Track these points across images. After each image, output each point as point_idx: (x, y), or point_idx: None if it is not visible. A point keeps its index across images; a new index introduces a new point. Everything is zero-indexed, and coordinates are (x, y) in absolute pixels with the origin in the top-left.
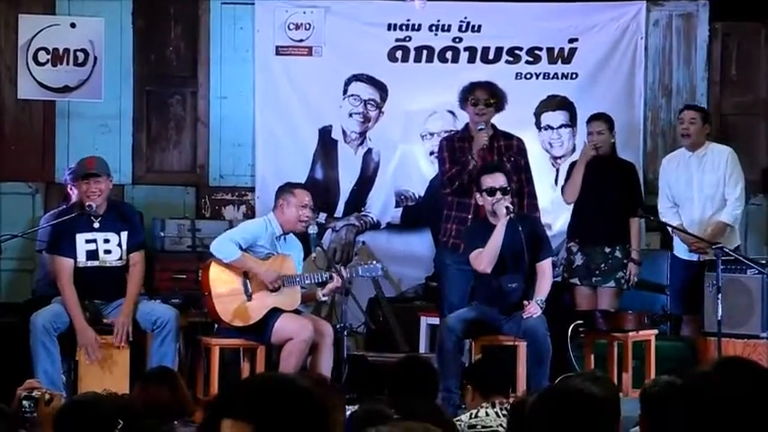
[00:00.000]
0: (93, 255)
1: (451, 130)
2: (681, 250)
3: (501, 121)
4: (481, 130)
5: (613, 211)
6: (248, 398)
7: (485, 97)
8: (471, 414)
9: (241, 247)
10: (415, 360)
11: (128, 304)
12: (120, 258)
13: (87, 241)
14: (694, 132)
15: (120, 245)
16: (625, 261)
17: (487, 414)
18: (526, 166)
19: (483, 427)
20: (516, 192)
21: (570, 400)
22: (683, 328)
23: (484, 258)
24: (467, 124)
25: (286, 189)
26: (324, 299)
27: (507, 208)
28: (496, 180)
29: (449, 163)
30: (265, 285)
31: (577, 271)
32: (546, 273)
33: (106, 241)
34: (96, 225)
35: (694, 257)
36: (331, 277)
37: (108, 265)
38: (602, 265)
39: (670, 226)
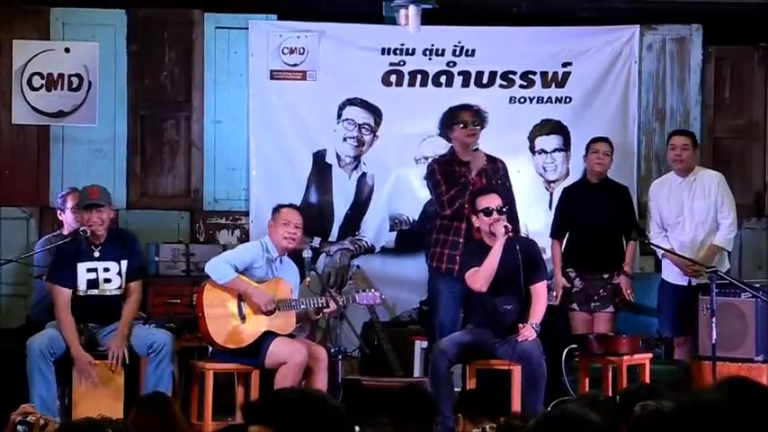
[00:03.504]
0: (93, 284)
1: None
2: (670, 274)
3: (495, 144)
4: (477, 149)
5: (610, 236)
6: (274, 405)
7: (471, 117)
8: None
9: (237, 270)
10: (415, 387)
11: (122, 328)
12: (120, 287)
13: (88, 270)
14: (687, 158)
15: (119, 273)
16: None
17: None
18: (510, 188)
19: None
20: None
21: (570, 428)
22: (675, 352)
23: (480, 277)
24: (451, 148)
25: (274, 209)
26: (317, 317)
27: (506, 227)
28: (492, 201)
29: (445, 185)
30: (260, 308)
31: (576, 296)
32: (540, 295)
33: (106, 270)
34: (96, 254)
35: (684, 282)
36: (327, 304)
37: (107, 294)
38: (601, 291)
39: (662, 249)
